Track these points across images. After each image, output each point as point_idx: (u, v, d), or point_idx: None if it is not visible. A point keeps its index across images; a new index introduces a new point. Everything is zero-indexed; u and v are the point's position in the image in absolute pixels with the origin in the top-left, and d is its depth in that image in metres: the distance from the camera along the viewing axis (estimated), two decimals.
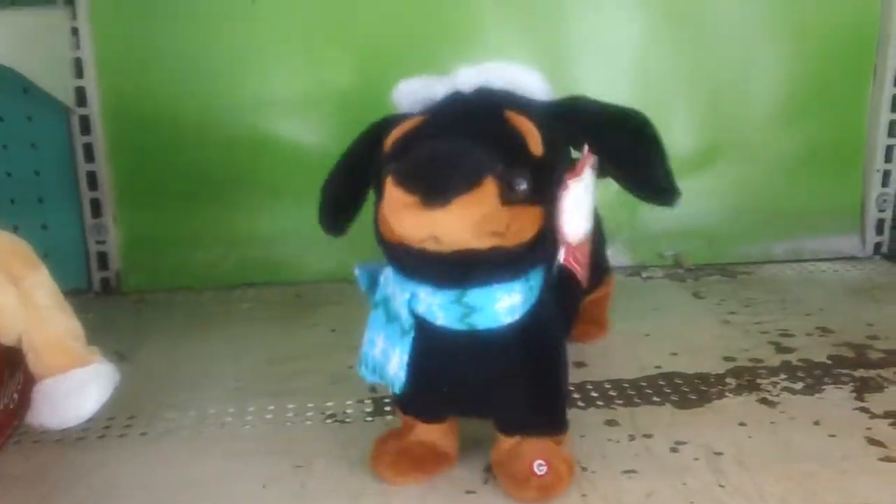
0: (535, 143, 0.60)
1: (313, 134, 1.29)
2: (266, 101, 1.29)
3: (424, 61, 1.26)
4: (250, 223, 1.31)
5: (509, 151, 0.59)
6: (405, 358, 0.66)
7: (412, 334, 0.66)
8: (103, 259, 1.30)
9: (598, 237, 0.89)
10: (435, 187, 0.55)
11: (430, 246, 0.59)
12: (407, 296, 0.65)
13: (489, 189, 0.57)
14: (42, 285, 0.74)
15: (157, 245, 1.30)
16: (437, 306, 0.64)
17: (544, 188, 0.61)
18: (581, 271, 0.66)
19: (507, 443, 0.71)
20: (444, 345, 0.66)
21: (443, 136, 0.60)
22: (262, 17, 1.26)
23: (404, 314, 0.66)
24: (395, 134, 0.63)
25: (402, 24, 1.28)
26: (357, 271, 0.72)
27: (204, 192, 1.30)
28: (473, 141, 0.59)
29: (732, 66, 1.36)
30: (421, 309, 0.65)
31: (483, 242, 0.59)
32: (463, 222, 0.56)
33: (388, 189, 0.58)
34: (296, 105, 1.30)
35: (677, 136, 1.37)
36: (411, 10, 1.29)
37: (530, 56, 1.32)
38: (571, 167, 0.63)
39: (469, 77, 0.64)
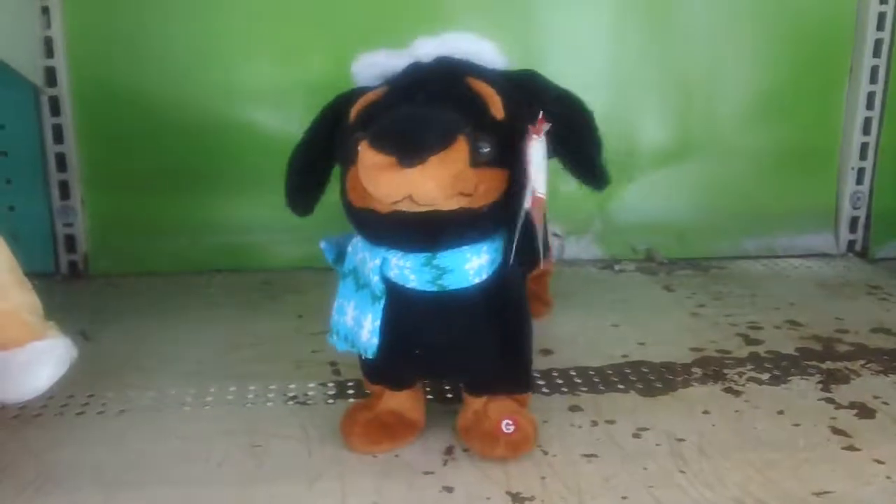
0: (497, 107, 0.62)
1: (284, 122, 1.28)
2: (237, 87, 1.28)
3: (391, 42, 1.27)
4: (219, 210, 1.30)
5: (473, 115, 0.61)
6: (377, 323, 0.67)
7: (383, 300, 0.67)
8: (71, 242, 1.28)
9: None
10: (411, 146, 0.56)
11: (405, 207, 0.60)
12: (378, 262, 0.66)
13: (461, 148, 0.59)
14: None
15: (125, 229, 1.29)
16: (409, 269, 0.66)
17: (508, 150, 0.63)
18: (541, 227, 0.66)
19: (473, 405, 0.73)
20: (415, 308, 0.67)
21: (407, 103, 0.61)
22: (236, 3, 1.25)
23: (375, 280, 0.67)
24: (360, 104, 0.65)
25: (375, 13, 1.27)
26: (323, 245, 0.73)
27: (173, 178, 1.28)
28: (439, 105, 0.60)
29: (706, 61, 1.36)
30: (392, 274, 0.67)
31: (452, 203, 0.61)
32: (437, 180, 0.57)
33: (363, 153, 0.58)
34: (267, 93, 1.28)
35: (650, 131, 1.37)
36: (385, 1, 1.28)
37: (503, 55, 1.31)
38: (532, 127, 0.63)
39: (428, 47, 0.66)
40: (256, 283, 1.25)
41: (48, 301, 0.74)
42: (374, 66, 0.68)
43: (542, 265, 0.95)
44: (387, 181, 0.57)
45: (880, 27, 1.36)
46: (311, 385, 0.88)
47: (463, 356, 0.70)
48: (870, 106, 1.39)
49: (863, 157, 1.41)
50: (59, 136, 1.25)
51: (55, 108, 1.24)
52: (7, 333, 0.71)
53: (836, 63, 1.39)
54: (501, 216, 0.65)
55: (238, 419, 0.80)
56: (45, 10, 1.21)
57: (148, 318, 1.09)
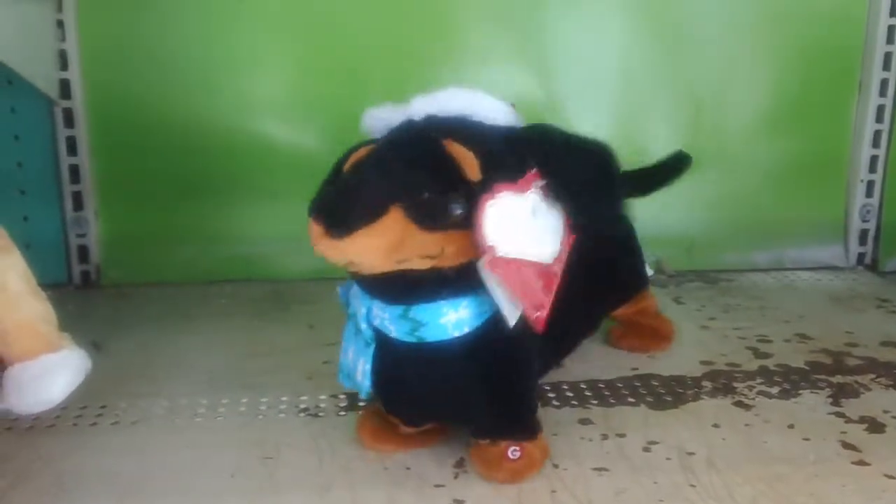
0: (472, 169, 0.62)
1: (296, 134, 1.29)
2: (250, 100, 1.29)
3: (409, 64, 1.29)
4: (231, 221, 1.31)
5: (443, 178, 0.62)
6: (368, 367, 0.70)
7: (373, 346, 0.70)
8: (84, 252, 1.29)
9: (622, 251, 0.94)
10: (335, 220, 0.58)
11: (351, 269, 0.62)
12: (364, 310, 0.69)
13: (394, 219, 0.59)
14: (14, 269, 0.73)
15: (138, 240, 1.30)
16: (388, 320, 0.68)
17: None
18: (528, 296, 0.64)
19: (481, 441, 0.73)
20: (399, 356, 0.69)
21: (382, 168, 0.62)
22: (249, 16, 1.26)
23: (364, 327, 0.69)
24: (348, 161, 0.65)
25: (388, 28, 1.28)
26: (339, 289, 0.74)
27: (185, 189, 1.29)
28: (410, 172, 0.61)
29: (715, 74, 1.37)
30: (376, 322, 0.69)
31: (416, 264, 0.62)
32: (369, 250, 0.59)
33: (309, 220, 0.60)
34: (279, 105, 1.29)
35: (660, 144, 1.37)
36: (397, 13, 1.29)
37: (514, 68, 1.32)
38: (511, 184, 0.63)
39: (422, 105, 0.66)
40: (268, 293, 1.25)
41: (61, 311, 0.75)
42: (378, 120, 0.68)
43: (636, 302, 0.98)
44: (325, 248, 0.59)
45: (890, 40, 1.36)
46: (323, 397, 0.88)
47: (447, 406, 0.72)
48: (879, 119, 1.39)
49: (872, 169, 1.41)
50: (72, 147, 1.26)
51: (69, 120, 1.25)
52: (21, 344, 0.72)
53: (846, 76, 1.39)
54: (477, 275, 0.64)
55: (250, 430, 0.81)
56: (60, 24, 1.22)
57: (160, 329, 1.10)
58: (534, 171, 0.64)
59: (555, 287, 0.66)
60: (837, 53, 1.38)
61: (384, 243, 0.59)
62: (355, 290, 0.70)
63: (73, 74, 1.24)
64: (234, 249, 1.32)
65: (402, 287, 0.65)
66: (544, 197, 0.64)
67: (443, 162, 0.62)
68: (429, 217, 0.61)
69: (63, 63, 1.23)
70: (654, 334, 1.02)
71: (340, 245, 0.58)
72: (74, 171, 1.27)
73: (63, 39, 1.23)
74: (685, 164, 0.96)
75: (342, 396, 0.88)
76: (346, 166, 0.64)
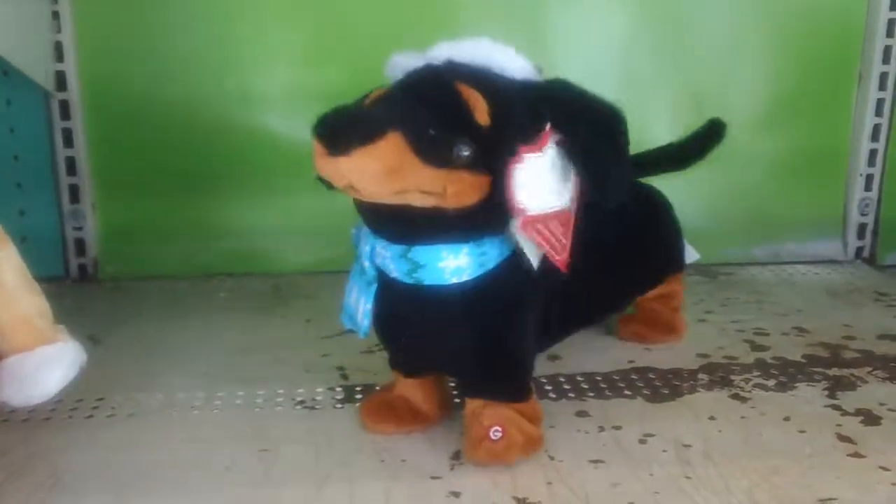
0: (482, 113, 0.63)
1: (294, 127, 1.28)
2: (248, 92, 1.28)
3: (403, 47, 1.28)
4: (229, 214, 1.31)
5: (450, 117, 0.62)
6: (368, 307, 0.72)
7: (375, 285, 0.71)
8: (80, 246, 1.29)
9: (660, 229, 0.95)
10: (335, 139, 0.60)
11: (354, 195, 0.63)
12: (368, 248, 0.70)
13: (393, 142, 0.60)
14: (9, 262, 0.73)
15: (135, 233, 1.30)
16: (389, 259, 0.69)
17: (490, 158, 0.63)
18: (553, 246, 0.66)
19: (471, 406, 0.74)
20: (398, 297, 0.70)
21: (391, 101, 0.64)
22: (248, 8, 1.26)
23: (366, 265, 0.71)
24: (362, 100, 0.67)
25: (389, 21, 1.28)
26: (352, 230, 0.75)
27: (183, 182, 1.29)
28: (417, 107, 0.63)
29: (717, 69, 1.36)
30: (378, 261, 0.71)
31: (417, 199, 0.63)
32: (365, 171, 0.60)
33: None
34: (278, 97, 1.29)
35: (660, 137, 1.36)
36: (399, 5, 1.28)
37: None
38: (531, 142, 0.64)
39: (442, 51, 0.67)
40: (266, 287, 1.25)
41: (57, 305, 0.75)
42: (397, 66, 0.69)
43: (665, 285, 0.98)
44: (325, 168, 0.61)
45: (890, 34, 1.36)
46: (320, 390, 0.88)
47: (440, 353, 0.73)
48: (879, 112, 1.39)
49: (871, 163, 1.41)
50: (68, 140, 1.26)
51: (65, 113, 1.25)
52: (17, 337, 0.72)
53: (845, 70, 1.39)
54: (478, 222, 0.65)
55: (247, 423, 0.81)
56: (56, 15, 1.22)
57: (157, 322, 1.10)
58: (548, 127, 0.64)
59: (572, 226, 0.67)
60: (837, 47, 1.38)
61: (381, 166, 0.60)
62: (364, 230, 0.72)
63: (69, 66, 1.24)
64: (232, 243, 1.31)
65: (403, 224, 0.66)
66: (558, 150, 0.65)
67: (452, 102, 0.63)
68: (431, 151, 0.62)
69: (59, 55, 1.23)
70: (662, 326, 1.01)
71: (339, 164, 0.60)
72: (71, 164, 1.27)
73: (59, 31, 1.22)
74: (720, 133, 0.96)
75: (339, 389, 0.88)
76: (362, 100, 0.66)
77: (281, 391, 0.88)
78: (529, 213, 0.64)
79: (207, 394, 0.87)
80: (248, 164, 1.30)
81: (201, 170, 1.30)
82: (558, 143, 0.65)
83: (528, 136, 0.64)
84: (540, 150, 0.64)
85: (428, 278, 0.68)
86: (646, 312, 1.00)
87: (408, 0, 1.29)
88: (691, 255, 1.00)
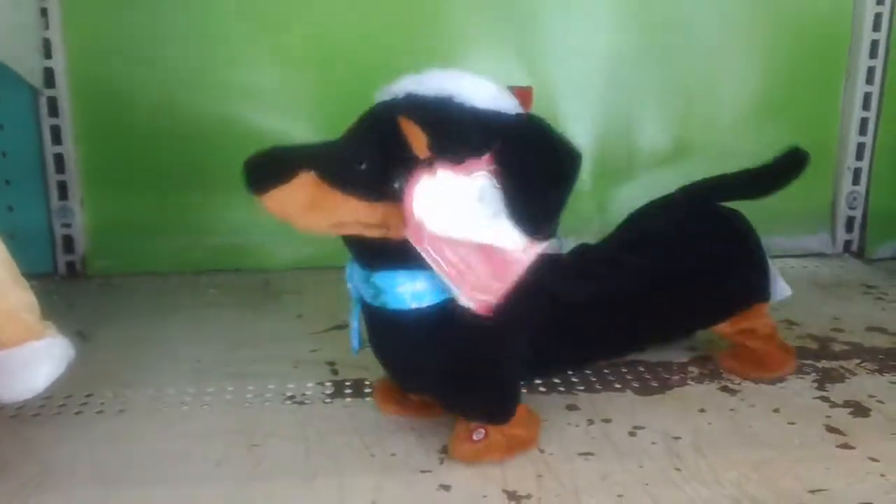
0: (420, 146, 0.64)
1: (283, 123, 1.28)
2: (238, 88, 1.28)
3: (397, 55, 1.28)
4: (219, 210, 1.30)
5: (384, 151, 0.65)
6: (355, 325, 0.76)
7: (358, 307, 0.74)
8: (69, 242, 1.28)
9: (731, 262, 0.88)
10: (254, 179, 0.65)
11: (295, 227, 0.66)
12: (347, 271, 0.74)
13: (303, 181, 0.64)
14: None
15: (124, 229, 1.29)
16: (358, 283, 0.72)
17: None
18: (463, 276, 0.65)
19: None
20: (372, 319, 0.73)
21: (343, 137, 0.68)
22: (237, 6, 1.25)
23: (350, 287, 0.74)
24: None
25: (376, 17, 1.27)
26: None
27: (172, 178, 1.28)
28: (362, 141, 0.66)
29: (706, 65, 1.37)
30: (353, 284, 0.74)
31: (364, 231, 0.66)
32: (283, 207, 0.65)
33: None
34: (267, 94, 1.28)
35: (649, 132, 1.37)
36: (386, 4, 1.28)
37: (505, 61, 1.32)
38: (456, 164, 0.64)
39: (408, 83, 0.68)
40: (256, 283, 1.25)
41: (46, 301, 0.75)
42: (384, 94, 0.70)
43: (740, 320, 0.89)
44: (260, 204, 0.65)
45: (876, 28, 1.36)
46: (309, 385, 0.88)
47: (409, 374, 0.76)
48: (866, 106, 1.39)
49: (859, 157, 1.42)
50: (57, 136, 1.25)
51: (53, 109, 1.24)
52: (5, 333, 0.72)
53: (833, 64, 1.39)
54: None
55: (236, 418, 0.81)
56: (44, 12, 1.21)
57: (146, 318, 1.09)
58: (486, 156, 0.64)
59: (511, 276, 0.65)
60: (825, 42, 1.38)
61: (297, 203, 0.64)
62: None
63: (58, 63, 1.23)
64: (222, 239, 1.31)
65: (364, 251, 0.70)
66: (495, 184, 0.65)
67: (388, 136, 0.65)
68: (362, 187, 0.65)
69: (47, 52, 1.22)
70: (757, 360, 0.91)
71: (261, 200, 0.64)
72: (59, 161, 1.26)
73: (47, 28, 1.22)
74: (803, 162, 0.91)
75: (328, 384, 0.88)
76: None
77: (271, 386, 0.88)
78: (426, 229, 0.63)
79: (197, 389, 0.87)
80: (237, 161, 1.28)
81: (190, 166, 1.29)
82: (493, 174, 0.64)
83: (461, 161, 0.64)
84: (466, 172, 0.64)
85: (391, 303, 0.70)
86: (736, 348, 0.92)
87: (397, 4, 1.28)
88: (783, 290, 0.93)
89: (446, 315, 0.68)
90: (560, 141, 0.67)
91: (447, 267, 0.64)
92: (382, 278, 0.69)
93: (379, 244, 0.67)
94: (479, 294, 0.65)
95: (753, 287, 0.90)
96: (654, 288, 0.82)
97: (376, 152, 0.65)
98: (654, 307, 0.83)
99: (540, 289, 0.71)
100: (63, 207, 1.27)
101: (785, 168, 0.91)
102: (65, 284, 1.26)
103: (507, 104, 0.68)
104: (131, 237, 1.29)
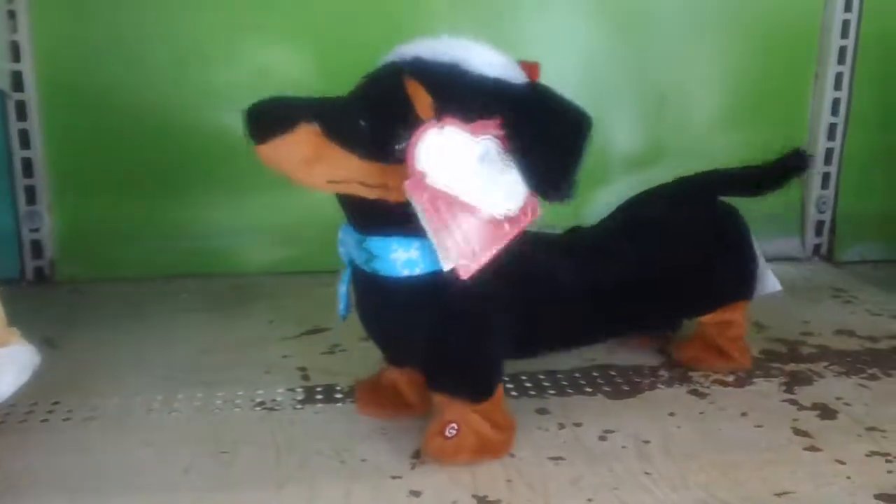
0: (424, 107, 0.64)
1: None
2: (207, 91, 1.27)
3: (373, 57, 1.27)
4: (190, 215, 1.29)
5: (388, 110, 0.65)
6: (344, 289, 0.75)
7: (348, 270, 0.74)
8: (37, 247, 1.27)
9: (723, 254, 0.90)
10: (256, 127, 0.64)
11: (294, 183, 0.65)
12: (340, 234, 0.72)
13: (305, 133, 0.63)
14: None
15: (94, 234, 1.28)
16: (352, 247, 0.71)
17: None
18: (455, 239, 0.64)
19: (435, 398, 0.74)
20: (363, 284, 0.73)
21: (348, 94, 0.67)
22: (207, 5, 1.24)
23: (341, 251, 0.74)
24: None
25: (352, 19, 1.27)
26: None
27: (142, 183, 1.27)
28: (364, 100, 0.66)
29: (678, 68, 1.37)
30: (345, 248, 0.73)
31: (360, 191, 0.66)
32: (283, 159, 0.63)
33: None
34: (237, 96, 1.26)
35: (622, 136, 1.38)
36: (361, 6, 1.27)
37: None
38: (462, 121, 0.64)
39: (417, 47, 0.68)
40: (227, 288, 1.24)
41: (14, 307, 0.73)
42: (396, 54, 0.69)
43: (720, 313, 0.91)
44: (257, 153, 0.64)
45: (844, 35, 1.38)
46: (280, 391, 0.88)
47: (401, 342, 0.75)
48: (835, 112, 1.41)
49: (828, 162, 1.43)
50: (25, 140, 1.24)
51: (22, 113, 1.23)
52: None
53: (802, 70, 1.41)
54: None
55: (205, 425, 0.80)
56: (12, 14, 1.19)
57: (116, 325, 1.08)
58: (495, 119, 0.65)
59: (499, 245, 0.65)
60: (794, 48, 1.39)
61: (297, 154, 0.63)
62: None
63: (26, 66, 1.21)
64: (193, 244, 1.30)
65: (360, 214, 0.69)
66: (502, 149, 0.65)
67: (392, 96, 0.65)
68: (363, 145, 0.64)
69: (15, 54, 1.21)
70: (717, 352, 0.93)
71: (259, 149, 0.63)
72: (27, 165, 1.24)
73: (15, 31, 1.20)
74: (803, 164, 0.93)
75: (299, 390, 0.88)
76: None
77: (241, 392, 0.87)
78: (426, 180, 0.63)
79: (166, 396, 0.86)
80: (208, 165, 1.29)
81: (161, 170, 1.28)
82: (503, 140, 0.65)
83: (468, 120, 0.64)
84: (472, 131, 0.64)
85: (382, 269, 0.69)
86: (703, 337, 0.94)
87: (375, 4, 1.28)
88: (772, 285, 0.94)
89: (437, 285, 0.68)
90: (570, 104, 0.68)
91: (437, 221, 0.63)
92: (376, 243, 0.69)
93: (375, 206, 0.66)
94: (463, 259, 0.65)
95: (741, 284, 0.92)
96: (642, 276, 0.83)
97: (379, 111, 0.65)
98: (640, 295, 0.83)
99: (530, 266, 0.73)
100: (31, 212, 1.26)
101: (789, 168, 0.93)
102: (33, 290, 1.24)
103: (516, 75, 0.68)
104: (101, 242, 1.28)
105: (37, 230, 1.26)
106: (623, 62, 1.36)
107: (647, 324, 0.92)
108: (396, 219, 0.65)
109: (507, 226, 0.66)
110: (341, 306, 0.75)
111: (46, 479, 0.70)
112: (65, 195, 1.27)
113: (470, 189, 0.64)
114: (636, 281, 0.82)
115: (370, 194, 0.65)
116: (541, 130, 0.66)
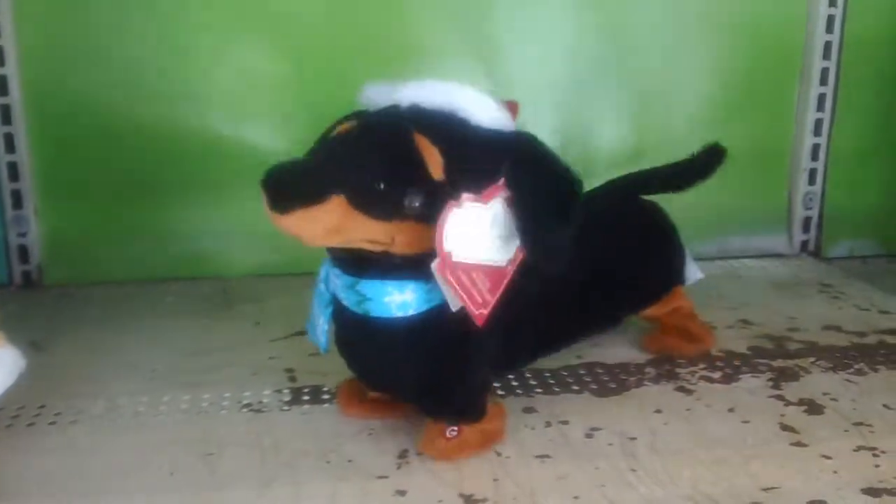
0: (436, 167, 0.64)
1: (241, 130, 1.27)
2: (194, 94, 1.26)
3: (357, 61, 1.28)
4: (176, 218, 1.29)
5: (403, 171, 0.64)
6: (325, 327, 0.75)
7: (331, 308, 0.74)
8: (24, 252, 1.26)
9: (649, 249, 0.93)
10: (278, 196, 0.61)
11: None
12: (324, 273, 0.73)
13: (336, 205, 0.61)
14: None
15: (81, 238, 1.27)
16: (340, 288, 0.70)
17: (441, 209, 0.64)
18: (471, 297, 0.66)
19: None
20: (349, 324, 0.72)
21: (344, 146, 0.65)
22: (192, 8, 1.24)
23: (323, 289, 0.73)
24: (331, 130, 0.67)
25: (336, 23, 1.27)
26: None
27: (128, 186, 1.27)
28: (369, 155, 0.64)
29: (661, 66, 1.37)
30: (332, 287, 0.73)
31: (365, 246, 0.65)
32: (306, 230, 0.62)
33: None
34: (224, 99, 1.27)
35: (606, 134, 1.38)
36: (346, 10, 1.27)
37: (464, 64, 1.32)
38: (479, 192, 0.65)
39: (410, 92, 0.67)
40: (213, 291, 1.24)
41: (1, 312, 0.73)
42: (369, 97, 0.70)
43: (667, 301, 0.95)
44: (272, 219, 0.62)
45: (829, 30, 1.38)
46: (266, 392, 0.87)
47: (386, 381, 0.75)
48: (820, 108, 1.41)
49: (814, 157, 1.43)
50: (10, 144, 1.23)
51: (6, 117, 1.22)
52: None
53: (787, 66, 1.41)
54: (425, 266, 0.65)
55: (191, 427, 0.80)
56: None
57: (103, 328, 1.08)
58: (500, 181, 0.65)
59: (503, 285, 0.67)
60: (779, 44, 1.39)
61: (321, 227, 0.62)
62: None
63: (10, 69, 1.21)
64: (179, 247, 1.30)
65: (352, 261, 0.68)
66: (505, 207, 0.66)
67: (407, 155, 0.64)
68: (380, 208, 0.63)
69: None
70: (683, 334, 0.97)
71: (280, 219, 0.61)
72: (13, 169, 1.24)
73: None
74: (720, 157, 0.96)
75: (286, 391, 0.88)
76: (323, 135, 0.67)
77: (227, 394, 0.87)
78: (452, 259, 0.64)
79: (152, 398, 0.86)
80: (194, 168, 1.29)
81: (147, 174, 1.27)
82: (507, 200, 0.66)
83: (479, 187, 0.65)
84: (485, 202, 0.65)
85: (375, 310, 0.69)
86: (669, 328, 0.97)
87: (354, 3, 1.28)
88: (694, 273, 0.97)
89: (429, 323, 0.69)
90: (561, 165, 0.68)
91: (461, 290, 0.65)
92: (369, 287, 0.68)
93: (371, 259, 0.66)
94: (478, 308, 0.66)
95: (673, 272, 0.95)
96: (583, 278, 0.84)
97: (395, 173, 0.64)
98: (585, 297, 0.85)
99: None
100: (18, 217, 1.25)
101: (705, 163, 0.95)
102: (20, 295, 1.24)
103: (506, 120, 0.68)
104: (88, 246, 1.28)
105: (23, 235, 1.26)
106: (606, 62, 1.36)
107: (601, 324, 0.94)
108: (397, 267, 0.66)
109: (510, 267, 0.68)
110: (323, 340, 0.75)
111: (33, 482, 0.70)
112: (51, 199, 1.26)
113: (487, 252, 0.66)
114: (578, 284, 0.83)
115: (376, 248, 0.65)
116: (538, 195, 0.66)
